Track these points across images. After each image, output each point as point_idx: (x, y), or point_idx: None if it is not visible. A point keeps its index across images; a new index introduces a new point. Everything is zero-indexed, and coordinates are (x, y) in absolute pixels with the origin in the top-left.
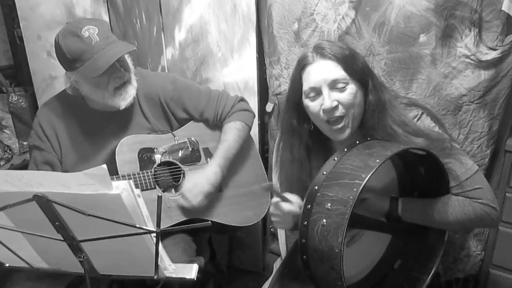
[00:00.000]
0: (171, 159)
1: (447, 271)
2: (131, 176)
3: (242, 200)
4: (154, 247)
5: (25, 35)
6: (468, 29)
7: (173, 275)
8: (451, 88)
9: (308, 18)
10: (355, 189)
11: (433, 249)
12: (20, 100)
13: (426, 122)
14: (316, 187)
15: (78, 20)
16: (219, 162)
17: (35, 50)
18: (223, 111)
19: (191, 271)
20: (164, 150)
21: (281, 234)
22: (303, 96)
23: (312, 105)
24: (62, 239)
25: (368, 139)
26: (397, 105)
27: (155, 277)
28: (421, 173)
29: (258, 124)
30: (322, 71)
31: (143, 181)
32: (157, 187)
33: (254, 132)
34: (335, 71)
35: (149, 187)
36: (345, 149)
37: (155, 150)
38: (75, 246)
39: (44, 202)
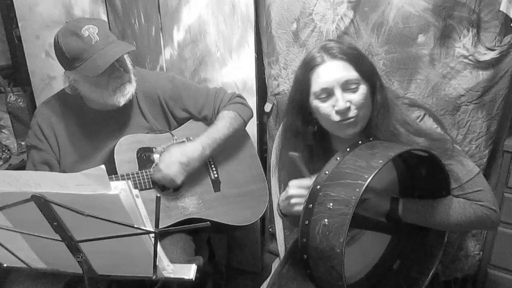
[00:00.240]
0: None
1: (445, 271)
2: (130, 175)
3: (241, 199)
4: (153, 248)
5: (24, 35)
6: (466, 29)
7: (172, 275)
8: (450, 88)
9: (306, 18)
10: (357, 190)
11: (433, 250)
12: (19, 100)
13: (428, 123)
14: (318, 187)
15: (78, 20)
16: (201, 139)
17: (34, 50)
18: (220, 106)
19: (189, 271)
20: (162, 150)
21: (280, 234)
22: (312, 97)
23: (323, 106)
24: (60, 239)
25: (371, 139)
26: (399, 104)
27: (154, 277)
28: (422, 174)
29: (257, 124)
30: (334, 72)
31: (142, 181)
32: (155, 186)
33: (253, 132)
34: (347, 71)
35: (148, 187)
36: (348, 149)
37: (153, 149)
38: (73, 246)
39: (42, 203)
